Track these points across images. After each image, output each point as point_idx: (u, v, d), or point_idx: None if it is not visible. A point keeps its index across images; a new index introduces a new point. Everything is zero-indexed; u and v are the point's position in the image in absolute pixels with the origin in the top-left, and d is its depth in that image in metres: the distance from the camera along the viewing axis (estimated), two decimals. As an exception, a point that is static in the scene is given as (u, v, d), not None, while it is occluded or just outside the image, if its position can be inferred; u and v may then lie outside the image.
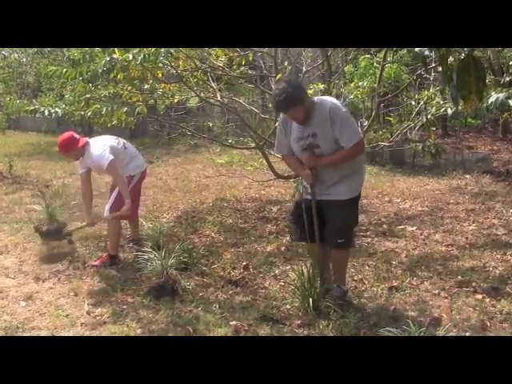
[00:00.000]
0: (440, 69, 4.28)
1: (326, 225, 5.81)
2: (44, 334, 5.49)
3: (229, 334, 5.32)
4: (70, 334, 5.48)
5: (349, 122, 5.52)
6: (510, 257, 7.29)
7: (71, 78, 7.79)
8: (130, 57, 6.72)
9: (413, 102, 9.26)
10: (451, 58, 3.79)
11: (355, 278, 6.65)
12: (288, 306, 5.91)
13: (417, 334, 4.34)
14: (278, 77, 8.12)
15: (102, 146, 7.21)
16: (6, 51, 27.75)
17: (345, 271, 6.21)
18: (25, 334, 5.48)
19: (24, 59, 27.91)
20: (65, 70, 7.67)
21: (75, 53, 8.19)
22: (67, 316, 5.90)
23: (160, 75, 8.20)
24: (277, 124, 7.57)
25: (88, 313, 5.97)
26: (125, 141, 7.73)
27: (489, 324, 5.42)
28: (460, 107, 6.61)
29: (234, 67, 9.41)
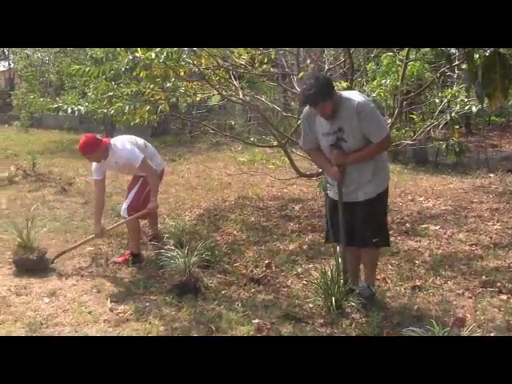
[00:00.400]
0: (464, 66, 4.25)
1: (358, 224, 5.80)
2: (67, 330, 5.53)
3: (251, 333, 5.32)
4: (93, 330, 5.51)
5: (376, 117, 5.52)
6: (535, 257, 7.23)
7: (94, 77, 7.81)
8: (153, 55, 6.73)
9: (436, 100, 9.21)
10: (476, 55, 3.75)
11: (378, 277, 6.60)
12: (311, 305, 5.91)
13: (441, 334, 4.31)
14: (300, 75, 8.11)
15: (128, 144, 7.19)
16: (29, 50, 27.91)
17: (375, 271, 6.25)
18: (48, 330, 5.52)
19: (46, 58, 28.05)
20: (88, 68, 7.70)
21: (98, 51, 8.22)
22: (90, 313, 5.93)
23: (182, 73, 8.19)
24: (300, 121, 7.58)
25: (111, 310, 5.99)
26: (144, 140, 7.72)
27: (514, 325, 5.37)
28: (485, 105, 6.57)
29: (256, 65, 9.38)
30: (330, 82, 5.67)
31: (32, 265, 7.12)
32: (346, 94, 5.70)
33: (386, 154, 6.02)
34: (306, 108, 5.82)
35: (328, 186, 5.98)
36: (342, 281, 5.72)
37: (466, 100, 8.11)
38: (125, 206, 7.43)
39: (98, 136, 7.08)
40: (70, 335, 5.38)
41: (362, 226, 5.74)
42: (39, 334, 5.42)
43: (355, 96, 5.54)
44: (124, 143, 7.16)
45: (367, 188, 5.66)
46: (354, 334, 5.23)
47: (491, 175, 12.84)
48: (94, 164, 7.25)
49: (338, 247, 6.10)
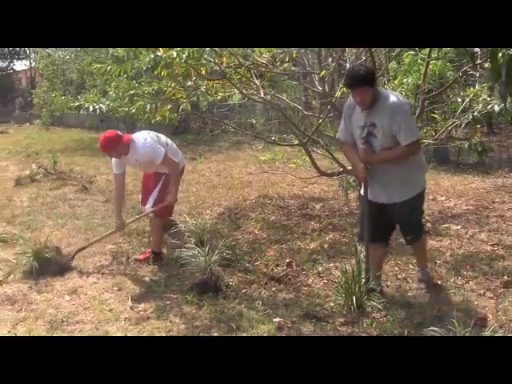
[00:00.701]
0: (487, 65, 4.22)
1: (394, 223, 6.05)
2: (88, 327, 5.57)
3: (272, 331, 5.31)
4: (114, 328, 5.54)
5: (409, 120, 5.58)
6: (557, 257, 7.18)
7: (115, 75, 7.83)
8: (174, 54, 6.73)
9: (458, 99, 9.15)
10: (500, 54, 3.72)
11: (399, 277, 6.59)
12: (331, 304, 5.90)
13: (462, 335, 4.29)
14: (321, 74, 8.08)
15: (149, 139, 7.14)
16: (50, 49, 28.07)
17: (425, 256, 6.51)
18: (69, 328, 5.56)
19: (68, 56, 28.20)
20: (109, 67, 7.71)
21: (119, 50, 8.22)
22: (111, 310, 5.96)
23: (203, 72, 8.18)
24: (321, 120, 7.59)
25: (131, 308, 6.02)
26: (165, 137, 7.69)
27: (536, 325, 5.34)
28: (508, 104, 6.53)
29: (278, 64, 9.36)
30: (376, 73, 5.85)
31: (57, 270, 7.05)
32: (384, 91, 5.82)
33: (422, 157, 6.09)
34: (348, 100, 5.93)
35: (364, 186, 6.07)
36: (363, 280, 5.71)
37: (489, 99, 8.06)
38: (149, 205, 7.36)
39: (120, 132, 7.07)
40: (90, 335, 5.40)
41: (402, 225, 6.02)
42: (60, 332, 5.46)
43: (392, 95, 5.61)
44: (146, 140, 7.11)
45: (398, 191, 5.74)
46: (374, 334, 5.22)
47: (513, 175, 12.79)
48: (114, 159, 7.25)
49: (359, 246, 6.14)
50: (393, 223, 6.05)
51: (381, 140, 5.57)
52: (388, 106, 5.45)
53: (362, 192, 6.04)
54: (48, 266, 7.01)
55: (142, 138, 7.15)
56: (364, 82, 5.40)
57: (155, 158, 7.04)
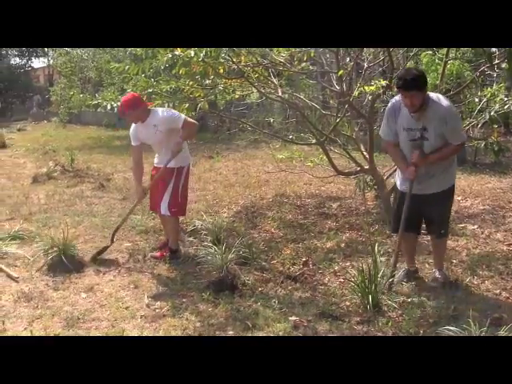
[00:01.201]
0: (504, 65, 4.22)
1: (427, 216, 6.30)
2: (104, 325, 5.60)
3: (288, 330, 5.32)
4: (130, 326, 5.56)
5: (458, 122, 5.97)
6: None
7: (133, 74, 7.86)
8: (192, 53, 6.74)
9: (476, 99, 9.13)
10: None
11: (415, 276, 6.58)
12: (347, 303, 5.91)
13: (477, 334, 4.29)
14: (339, 73, 8.07)
15: (167, 109, 7.22)
16: (68, 46, 28.13)
17: (443, 256, 6.59)
18: (85, 325, 5.60)
19: (85, 54, 28.26)
20: (127, 66, 7.75)
21: (137, 48, 8.27)
22: (127, 308, 5.99)
23: (221, 71, 8.19)
24: (337, 119, 7.63)
25: (148, 305, 6.04)
26: None
27: (552, 325, 5.33)
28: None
29: (295, 63, 9.35)
30: (427, 79, 5.96)
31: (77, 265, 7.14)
32: (433, 95, 5.91)
33: None
34: (392, 101, 6.07)
35: (398, 179, 6.38)
36: (378, 278, 5.74)
37: (506, 99, 8.05)
38: (165, 204, 7.27)
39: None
40: (106, 333, 5.43)
41: (434, 218, 6.22)
42: (76, 329, 5.50)
43: (442, 100, 5.80)
44: (163, 110, 7.22)
45: (437, 182, 6.03)
46: (390, 333, 5.22)
47: (530, 175, 12.72)
48: (132, 129, 7.28)
49: (376, 245, 6.20)
50: (423, 215, 6.31)
51: (432, 142, 5.81)
52: (440, 112, 5.66)
53: (398, 186, 6.37)
54: (69, 262, 7.05)
55: (161, 109, 7.23)
56: (416, 87, 5.57)
57: (176, 122, 7.04)
